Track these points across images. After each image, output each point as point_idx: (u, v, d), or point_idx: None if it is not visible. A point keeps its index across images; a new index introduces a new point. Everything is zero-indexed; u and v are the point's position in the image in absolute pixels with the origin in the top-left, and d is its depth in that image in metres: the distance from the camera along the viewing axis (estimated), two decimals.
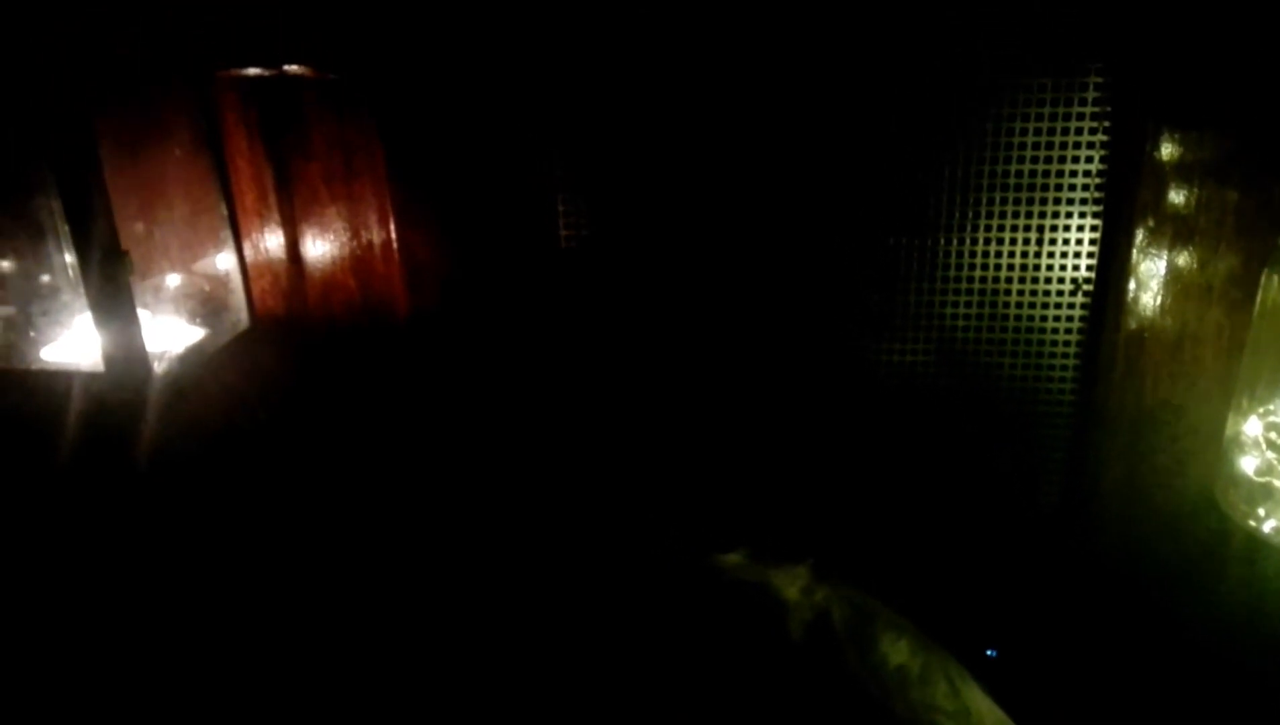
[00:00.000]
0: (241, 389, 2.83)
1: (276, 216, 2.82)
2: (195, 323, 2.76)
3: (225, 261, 2.88)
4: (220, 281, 2.88)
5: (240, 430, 2.82)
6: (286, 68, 2.56)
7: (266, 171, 2.75)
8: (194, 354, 2.63)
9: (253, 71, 2.59)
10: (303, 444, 3.01)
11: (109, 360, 2.34)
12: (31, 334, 2.48)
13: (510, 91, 2.77)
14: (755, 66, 2.65)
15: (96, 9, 2.05)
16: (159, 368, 2.44)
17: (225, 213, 2.77)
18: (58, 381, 2.37)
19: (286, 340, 2.99)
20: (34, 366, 2.44)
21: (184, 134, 2.60)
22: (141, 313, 2.42)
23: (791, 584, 2.43)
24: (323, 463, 3.02)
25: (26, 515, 2.46)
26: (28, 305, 2.50)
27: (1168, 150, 2.45)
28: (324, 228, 2.84)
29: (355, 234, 2.85)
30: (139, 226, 2.60)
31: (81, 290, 2.32)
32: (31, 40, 2.01)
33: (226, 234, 2.80)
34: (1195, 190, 2.41)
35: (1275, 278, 2.07)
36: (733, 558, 2.56)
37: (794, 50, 2.62)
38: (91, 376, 2.35)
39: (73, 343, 2.49)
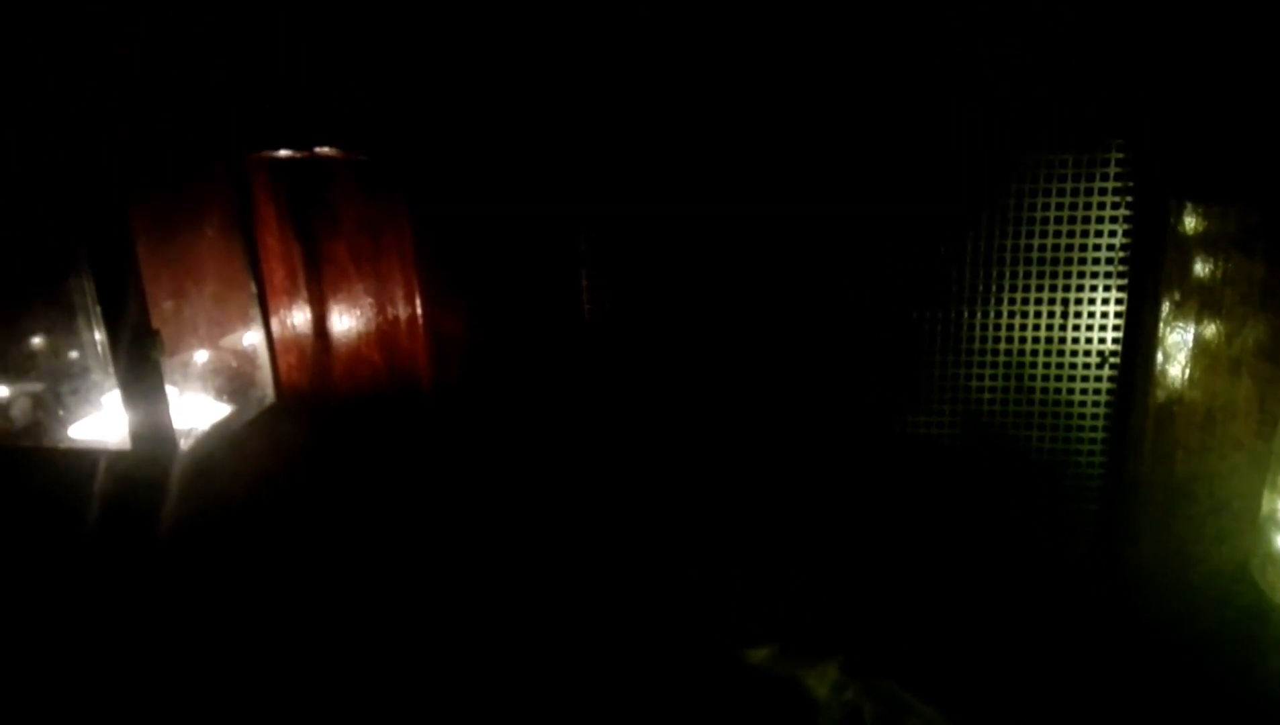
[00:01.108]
0: (266, 464, 2.83)
1: (304, 293, 2.85)
2: (222, 399, 2.77)
3: (253, 338, 2.90)
4: (247, 357, 2.90)
5: (264, 504, 2.81)
6: (317, 149, 2.60)
7: (296, 250, 2.79)
8: (219, 431, 2.64)
9: (284, 153, 2.63)
10: (324, 516, 2.99)
11: (136, 438, 2.35)
12: (60, 412, 2.49)
13: (537, 171, 2.81)
14: (777, 154, 2.68)
15: (134, 95, 2.10)
16: (185, 445, 2.44)
17: (254, 290, 2.80)
18: (84, 460, 2.37)
19: (311, 414, 2.99)
20: (61, 445, 2.45)
21: (216, 213, 2.64)
22: (169, 390, 2.44)
23: (821, 681, 2.38)
24: (343, 533, 3.00)
25: (52, 591, 2.45)
26: (57, 383, 2.52)
27: (1191, 224, 2.45)
28: (351, 304, 2.87)
29: (381, 310, 2.87)
30: (169, 304, 2.63)
31: (111, 369, 2.34)
32: (69, 123, 2.05)
33: (255, 311, 2.83)
34: (1220, 264, 2.40)
35: None
36: (761, 652, 2.51)
37: (813, 129, 2.65)
38: (118, 455, 2.36)
39: (100, 420, 2.50)
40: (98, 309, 2.23)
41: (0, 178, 2.01)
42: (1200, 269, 2.45)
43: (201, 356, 2.81)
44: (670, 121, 2.72)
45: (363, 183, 2.73)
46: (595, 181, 2.82)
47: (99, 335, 2.55)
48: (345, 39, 2.60)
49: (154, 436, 2.33)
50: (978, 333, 2.74)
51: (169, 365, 2.57)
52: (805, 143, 2.67)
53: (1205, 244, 2.43)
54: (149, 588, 2.49)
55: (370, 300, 2.86)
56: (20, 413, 2.49)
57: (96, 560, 2.45)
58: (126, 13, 2.17)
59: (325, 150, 2.65)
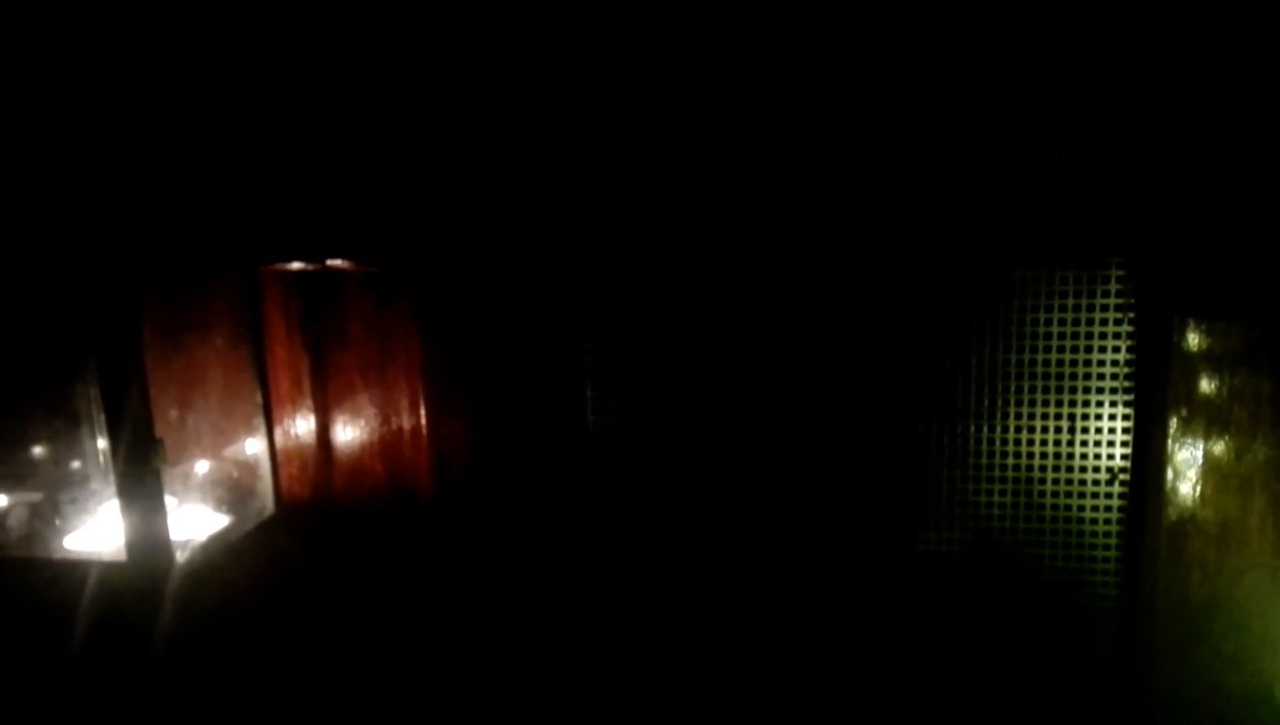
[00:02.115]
0: (263, 576, 2.78)
1: (310, 403, 2.85)
2: (221, 509, 2.73)
3: (255, 447, 2.88)
4: (249, 468, 2.87)
5: (260, 617, 2.74)
6: (330, 262, 2.64)
7: (303, 360, 2.80)
8: (217, 543, 2.60)
9: (297, 265, 2.67)
10: (321, 628, 2.92)
11: (132, 550, 2.30)
12: (57, 522, 2.46)
13: (544, 285, 2.85)
14: (776, 269, 2.72)
15: (150, 207, 2.14)
16: (181, 557, 2.40)
17: (259, 400, 2.80)
18: (78, 572, 2.33)
19: (310, 525, 2.95)
20: (56, 555, 2.41)
21: (226, 323, 2.66)
22: (168, 500, 2.41)
23: None
24: (339, 644, 2.92)
25: (42, 706, 2.37)
26: (56, 492, 2.50)
27: (1195, 341, 2.46)
28: (355, 414, 2.86)
29: (386, 420, 2.87)
30: (174, 413, 2.63)
31: (111, 478, 2.31)
32: (84, 231, 2.09)
33: (259, 420, 2.82)
34: (1226, 380, 2.40)
35: None
36: None
37: (813, 243, 2.70)
38: (113, 567, 2.31)
39: (97, 531, 2.47)
40: (102, 417, 2.22)
41: (11, 284, 2.04)
42: (1206, 385, 2.45)
43: (203, 466, 2.78)
44: (674, 247, 2.77)
45: (373, 294, 2.76)
46: (600, 296, 2.85)
47: (101, 443, 2.54)
48: (359, 157, 2.67)
49: (150, 549, 2.29)
50: (985, 448, 2.72)
51: (170, 474, 2.55)
52: (813, 258, 2.71)
53: (1210, 360, 2.44)
54: (140, 703, 2.41)
55: (375, 410, 2.85)
56: (17, 522, 2.46)
57: (87, 674, 2.38)
58: (147, 121, 2.23)
59: (337, 262, 2.69)
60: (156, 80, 2.18)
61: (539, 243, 2.83)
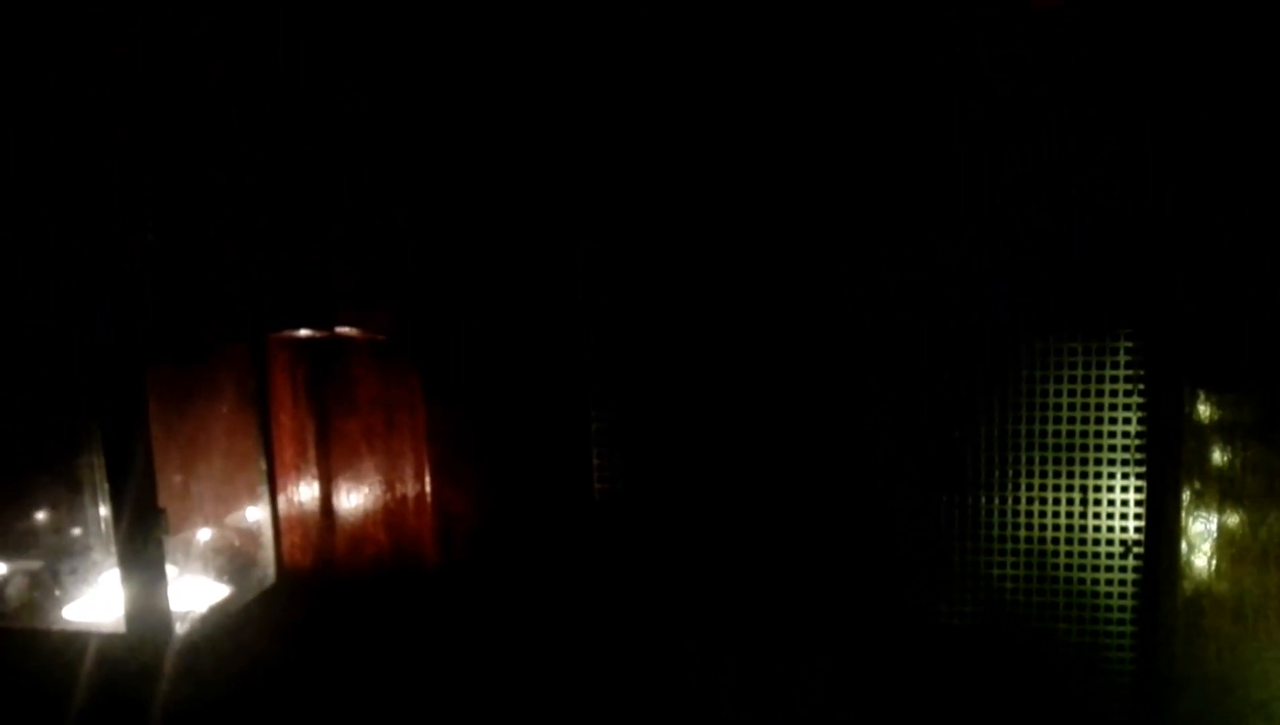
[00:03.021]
0: (263, 647, 2.73)
1: (314, 471, 2.83)
2: (222, 579, 2.70)
3: (257, 515, 2.86)
4: (250, 536, 2.84)
5: (259, 688, 2.69)
6: (338, 329, 2.65)
7: (309, 427, 2.79)
8: (217, 614, 2.56)
9: (304, 333, 2.68)
10: (321, 700, 2.86)
11: (131, 621, 2.27)
12: (57, 592, 2.43)
13: (551, 355, 2.85)
14: (787, 343, 2.73)
15: (161, 277, 2.15)
16: (180, 629, 2.36)
17: (264, 467, 2.78)
18: (77, 643, 2.29)
19: (311, 594, 2.92)
20: (55, 626, 2.37)
21: (231, 390, 2.66)
22: (169, 569, 2.38)
23: None
24: (339, 717, 2.86)
25: None
26: (56, 561, 2.47)
27: (1206, 412, 2.45)
28: (359, 482, 2.84)
29: (390, 488, 2.85)
30: (178, 478, 2.61)
31: (112, 548, 2.29)
32: (92, 301, 2.09)
33: (263, 488, 2.80)
34: (1239, 452, 2.38)
35: None
36: None
37: (817, 319, 2.70)
38: (112, 638, 2.27)
39: (96, 601, 2.43)
40: (105, 486, 2.20)
41: (16, 350, 2.04)
42: (1219, 457, 2.43)
43: (204, 534, 2.76)
44: (678, 301, 2.77)
45: (380, 361, 2.76)
46: (607, 365, 2.85)
47: (103, 511, 2.52)
48: (366, 225, 2.69)
49: (150, 620, 2.25)
50: (996, 519, 2.69)
51: (171, 543, 2.52)
52: (822, 329, 2.72)
53: (1222, 432, 2.42)
54: None
55: (379, 478, 2.83)
56: (16, 592, 2.43)
57: None
58: (156, 188, 2.25)
59: (345, 330, 2.69)
60: (164, 149, 2.20)
61: (545, 316, 2.84)
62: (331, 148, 2.58)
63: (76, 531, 2.52)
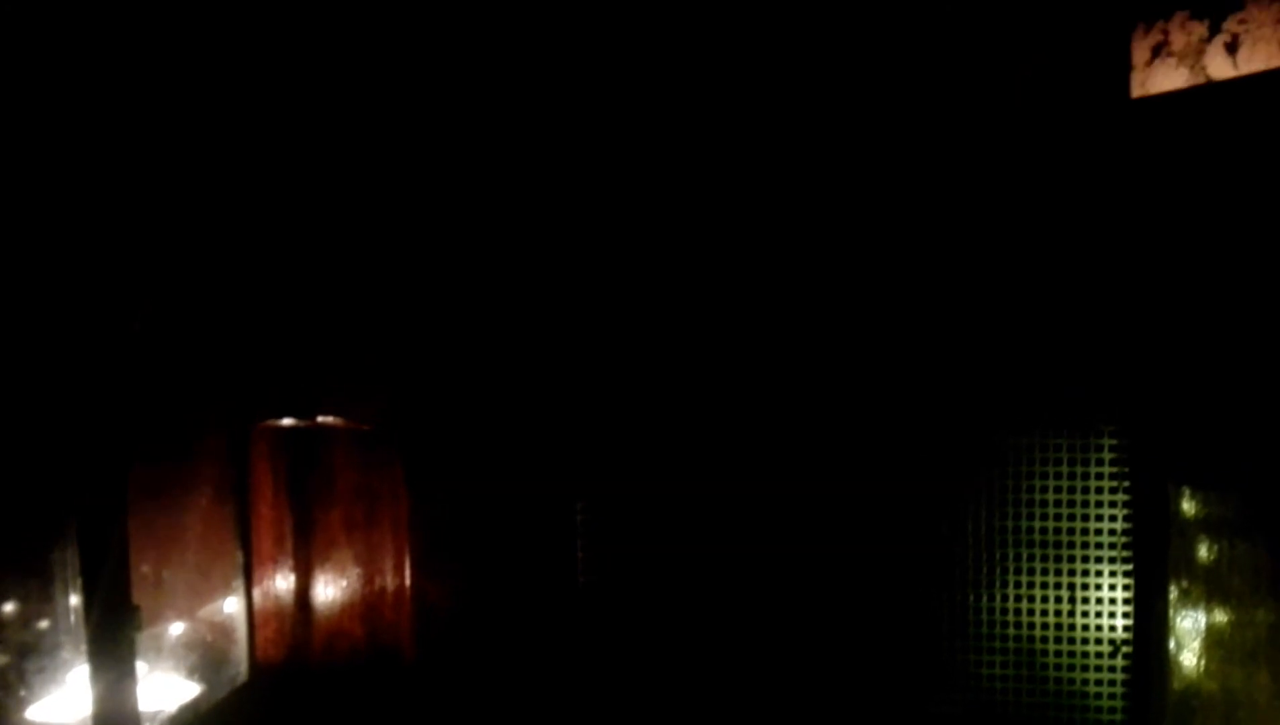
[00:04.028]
0: None
1: (291, 563, 2.78)
2: (193, 676, 2.62)
3: (232, 608, 2.79)
4: (224, 630, 2.77)
5: None
6: (320, 419, 2.63)
7: (288, 518, 2.75)
8: (187, 714, 2.48)
9: (287, 422, 2.66)
10: None
11: (99, 722, 2.19)
12: (22, 692, 2.34)
13: (535, 444, 2.83)
14: (779, 430, 2.73)
15: (142, 372, 2.13)
16: None
17: (240, 559, 2.72)
18: None
19: (284, 691, 2.83)
20: None
21: (211, 482, 2.62)
22: (140, 666, 2.31)
23: None
24: None
25: None
26: (23, 658, 2.38)
27: (1191, 510, 2.46)
28: (337, 574, 2.79)
29: (369, 580, 2.79)
30: (151, 571, 2.55)
31: (82, 645, 2.21)
32: (72, 395, 2.06)
33: (238, 581, 2.74)
34: (1225, 550, 2.38)
35: None
36: None
37: (814, 412, 2.71)
38: None
39: (63, 700, 2.34)
40: (78, 580, 2.14)
41: None
42: (1205, 554, 2.43)
43: (177, 629, 2.68)
44: (670, 400, 2.77)
45: (362, 452, 2.74)
46: (592, 456, 2.84)
47: (75, 603, 2.44)
48: (351, 320, 2.70)
49: (119, 721, 2.17)
50: (985, 617, 2.67)
51: (143, 638, 2.45)
52: (806, 420, 2.72)
53: (1208, 529, 2.42)
54: None
55: (358, 570, 2.78)
56: None
57: None
58: (141, 288, 2.25)
59: (328, 419, 2.67)
60: (154, 242, 2.21)
61: (534, 405, 2.83)
62: (317, 240, 2.60)
63: (44, 625, 2.45)
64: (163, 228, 2.16)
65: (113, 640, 2.18)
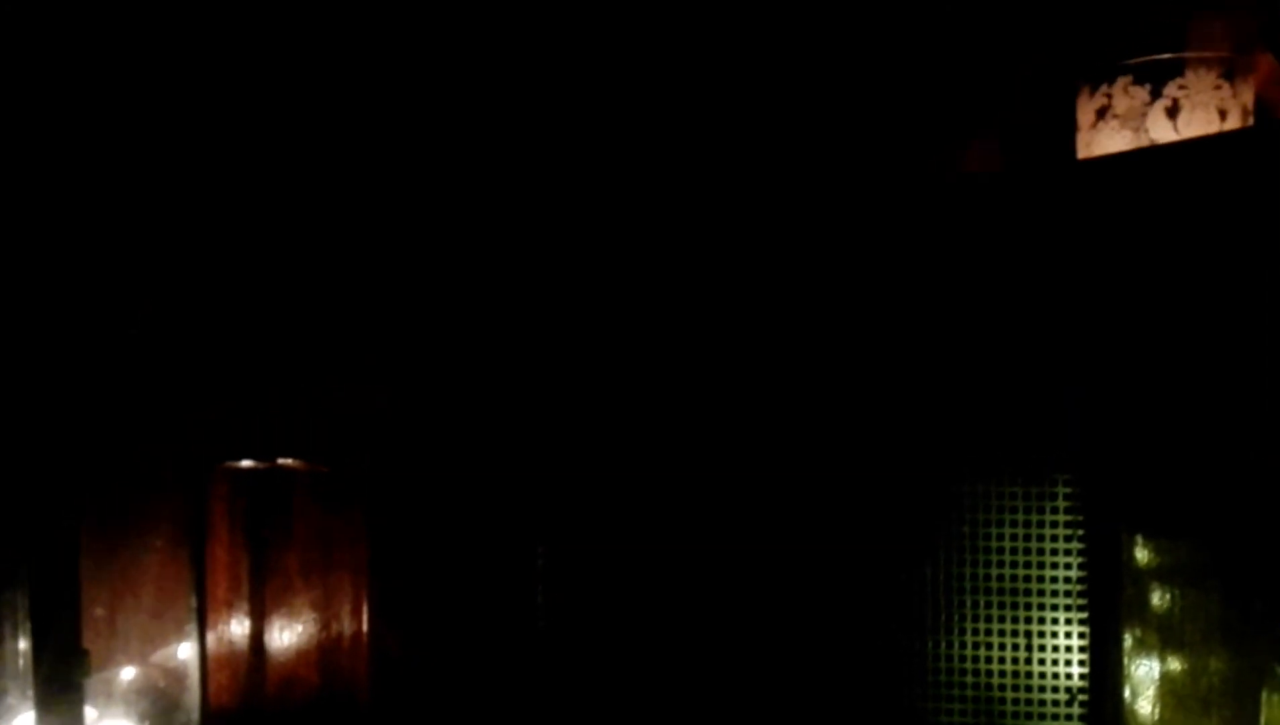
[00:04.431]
0: None
1: (247, 607, 2.75)
2: (143, 723, 2.58)
3: (184, 653, 2.75)
4: (176, 676, 2.73)
5: None
6: (280, 461, 2.62)
7: (244, 562, 2.72)
8: None
9: (246, 464, 2.64)
10: None
11: None
12: None
13: (498, 489, 2.84)
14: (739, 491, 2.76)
15: (99, 420, 2.13)
16: None
17: (194, 603, 2.69)
18: None
19: None
20: None
21: (166, 526, 2.60)
22: (88, 712, 2.27)
23: None
24: None
25: None
26: None
27: (1144, 558, 2.49)
28: (293, 619, 2.76)
29: (325, 626, 2.77)
30: (102, 614, 2.52)
31: (30, 690, 2.18)
32: (20, 442, 2.05)
33: (192, 625, 2.70)
34: (1178, 600, 2.42)
35: (1275, 698, 2.02)
36: None
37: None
38: None
39: None
40: (27, 624, 2.11)
41: None
42: (1158, 603, 2.46)
43: (128, 674, 2.64)
44: (628, 451, 2.80)
45: (321, 495, 2.73)
46: (553, 502, 2.84)
47: (22, 647, 2.40)
48: (312, 363, 2.71)
49: None
50: (942, 664, 2.68)
51: (92, 683, 2.40)
52: (769, 470, 2.75)
53: (1160, 578, 2.46)
54: None
55: (315, 616, 2.76)
56: None
57: None
58: (97, 323, 2.25)
59: (288, 461, 2.66)
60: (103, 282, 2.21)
61: (491, 456, 2.84)
62: (275, 287, 2.61)
63: None
64: (116, 272, 2.16)
65: (61, 685, 2.15)
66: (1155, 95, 2.25)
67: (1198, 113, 2.20)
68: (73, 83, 2.32)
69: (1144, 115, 2.25)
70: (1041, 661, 2.64)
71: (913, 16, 2.64)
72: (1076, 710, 2.62)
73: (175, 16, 2.50)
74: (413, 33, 2.75)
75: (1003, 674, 2.65)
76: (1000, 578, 2.64)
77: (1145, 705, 2.49)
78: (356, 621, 2.76)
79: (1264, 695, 2.02)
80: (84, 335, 2.14)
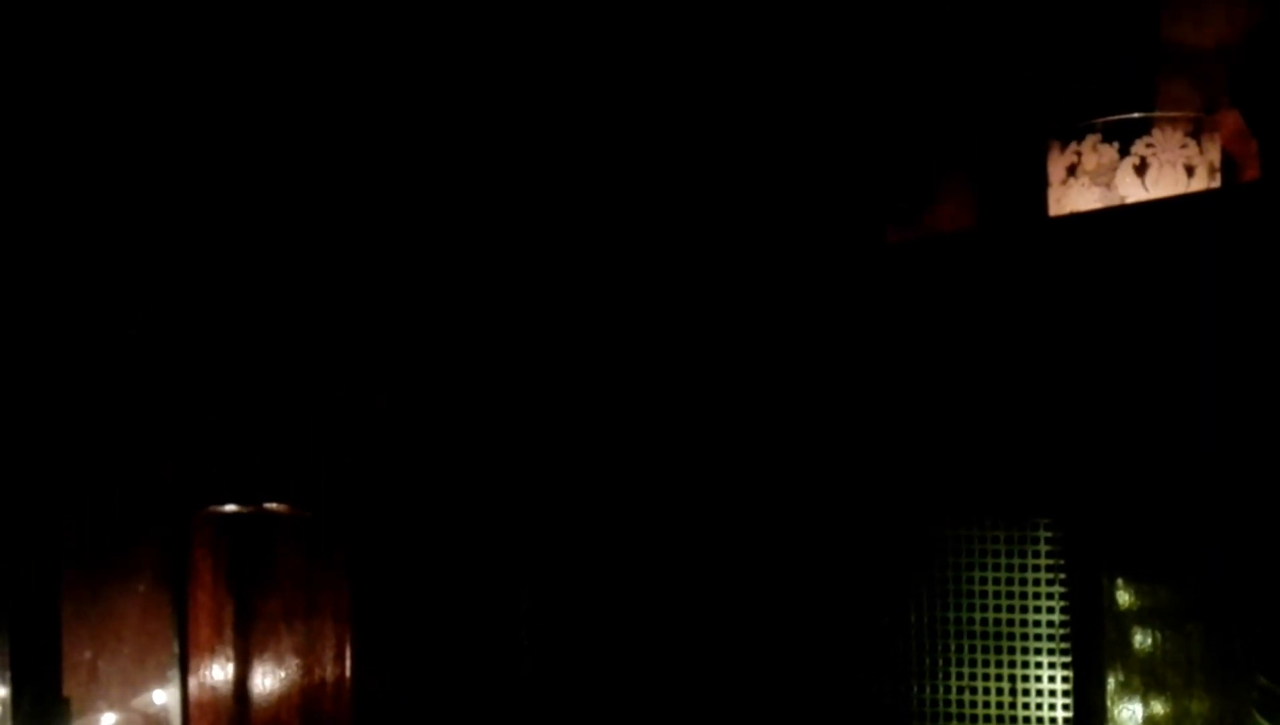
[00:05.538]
0: None
1: (229, 653, 2.73)
2: None
3: (166, 699, 2.72)
4: (157, 722, 2.70)
5: None
6: (264, 505, 2.62)
7: (227, 607, 2.71)
8: None
9: (230, 508, 2.64)
10: None
11: None
12: None
13: (481, 533, 2.84)
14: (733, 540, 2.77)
15: (81, 464, 2.13)
16: None
17: (176, 649, 2.67)
18: None
19: None
20: None
21: (149, 571, 2.59)
22: None
23: None
24: None
25: None
26: None
27: (1126, 600, 2.50)
28: (277, 665, 2.74)
29: (308, 671, 2.75)
30: (85, 658, 2.50)
31: None
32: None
33: (174, 671, 2.68)
34: (1159, 642, 2.43)
35: None
36: None
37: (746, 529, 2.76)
38: None
39: None
40: (7, 673, 2.10)
41: None
42: (1140, 646, 2.47)
43: (109, 719, 2.62)
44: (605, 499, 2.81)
45: (304, 539, 2.73)
46: (536, 546, 2.84)
47: (1, 694, 2.38)
48: (294, 406, 2.72)
49: None
50: (927, 709, 2.68)
51: None
52: (752, 508, 2.76)
53: (1141, 621, 2.47)
54: None
55: (298, 661, 2.74)
56: None
57: None
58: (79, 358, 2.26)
59: (272, 506, 2.66)
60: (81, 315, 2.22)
61: (472, 501, 2.84)
62: (251, 328, 2.63)
63: None
64: (99, 298, 2.17)
65: None
66: (1123, 153, 2.29)
67: (1165, 170, 2.25)
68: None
69: (1113, 172, 2.30)
70: (1025, 705, 2.64)
71: (886, 70, 2.70)
72: None
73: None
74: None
75: (988, 717, 2.65)
76: (984, 621, 2.65)
77: None
78: (339, 666, 2.74)
79: None
80: (64, 382, 2.14)
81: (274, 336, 2.77)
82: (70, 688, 2.30)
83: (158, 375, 2.53)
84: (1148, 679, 2.45)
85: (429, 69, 2.80)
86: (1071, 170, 2.35)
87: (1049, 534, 2.62)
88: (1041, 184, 2.47)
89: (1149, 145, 2.25)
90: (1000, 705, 2.66)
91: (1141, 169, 2.28)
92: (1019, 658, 2.64)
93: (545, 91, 2.81)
